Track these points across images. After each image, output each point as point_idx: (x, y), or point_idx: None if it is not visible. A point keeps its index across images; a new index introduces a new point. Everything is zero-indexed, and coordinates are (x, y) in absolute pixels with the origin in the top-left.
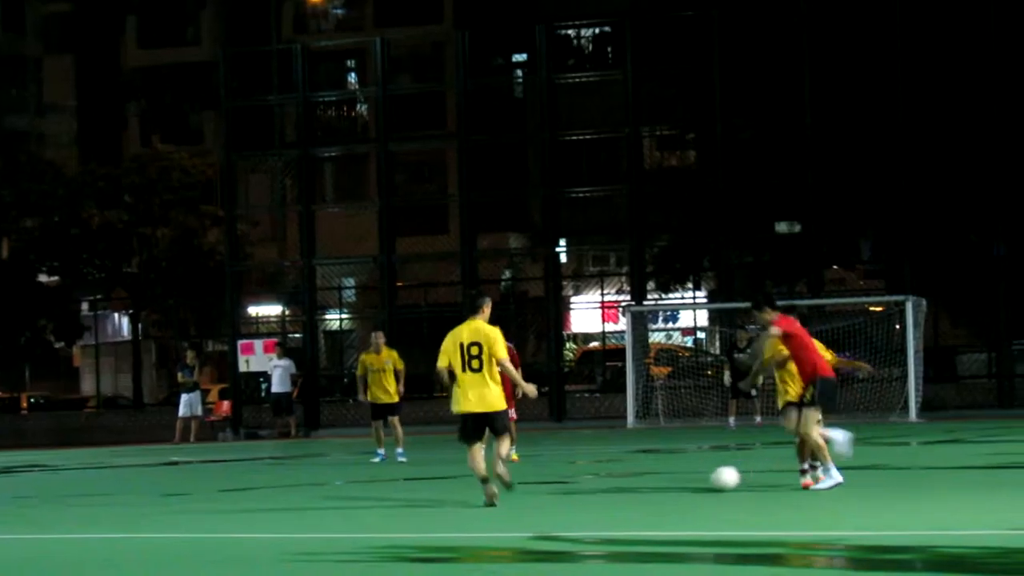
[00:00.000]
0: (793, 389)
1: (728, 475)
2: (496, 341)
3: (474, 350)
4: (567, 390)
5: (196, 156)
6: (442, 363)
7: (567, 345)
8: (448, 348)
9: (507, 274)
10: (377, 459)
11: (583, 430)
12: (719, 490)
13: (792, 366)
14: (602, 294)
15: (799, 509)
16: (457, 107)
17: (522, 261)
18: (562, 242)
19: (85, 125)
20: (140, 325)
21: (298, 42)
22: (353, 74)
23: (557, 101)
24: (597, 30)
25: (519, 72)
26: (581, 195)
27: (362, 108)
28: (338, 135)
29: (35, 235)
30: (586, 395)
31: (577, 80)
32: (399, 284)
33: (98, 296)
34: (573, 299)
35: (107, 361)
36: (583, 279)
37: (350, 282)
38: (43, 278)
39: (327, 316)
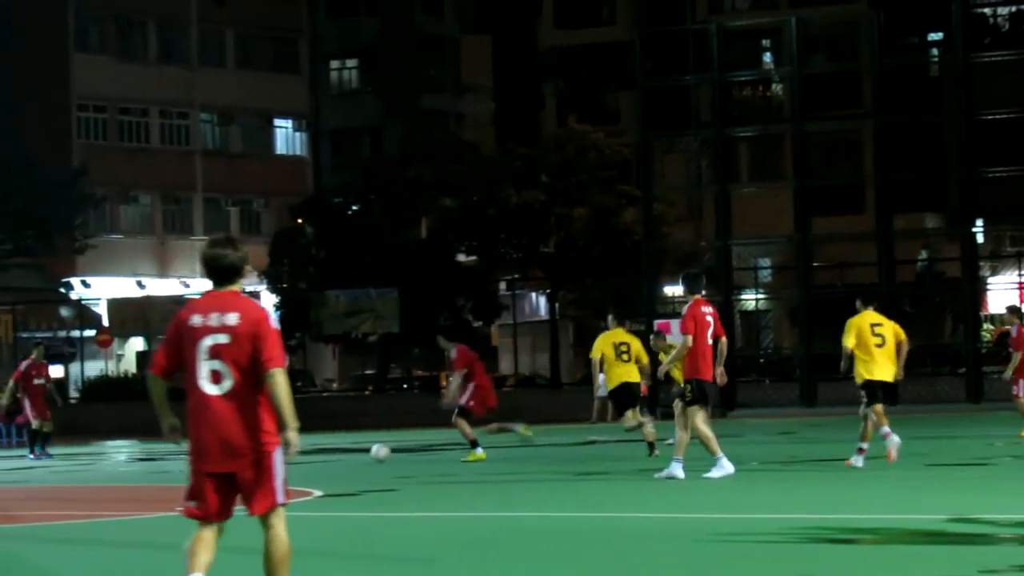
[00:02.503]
0: None
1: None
2: None
3: None
4: (984, 371)
5: (612, 136)
6: None
7: (984, 326)
8: None
9: (923, 255)
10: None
11: (1002, 412)
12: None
13: None
14: (1020, 274)
15: None
16: (872, 86)
17: (938, 242)
18: (979, 222)
19: (502, 105)
20: (557, 305)
21: (713, 22)
22: (768, 54)
23: (973, 80)
24: (1014, 8)
25: (934, 51)
26: (998, 175)
27: (777, 88)
28: (753, 115)
29: (453, 215)
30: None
31: (993, 59)
32: (814, 264)
33: (515, 276)
34: (991, 280)
35: (524, 340)
36: (1001, 259)
37: (765, 262)
38: (461, 258)
39: (742, 296)
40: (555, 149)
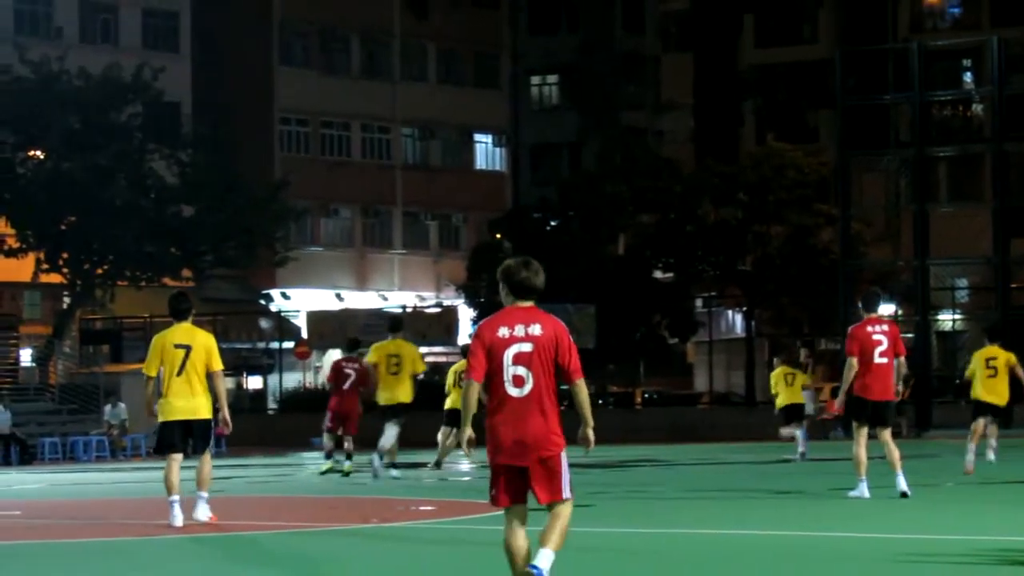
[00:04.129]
0: None
1: None
2: None
3: None
4: None
5: (810, 155)
6: None
7: None
8: None
9: None
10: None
11: None
12: None
13: None
14: None
15: None
16: None
17: None
18: None
19: (701, 122)
20: (753, 322)
21: (914, 41)
22: (969, 73)
23: None
24: None
25: None
26: None
27: (977, 108)
28: (952, 135)
29: (651, 231)
30: None
31: None
32: (1013, 285)
33: (711, 293)
34: None
35: (720, 358)
36: None
37: (963, 282)
38: (658, 274)
39: (939, 317)
40: (753, 167)
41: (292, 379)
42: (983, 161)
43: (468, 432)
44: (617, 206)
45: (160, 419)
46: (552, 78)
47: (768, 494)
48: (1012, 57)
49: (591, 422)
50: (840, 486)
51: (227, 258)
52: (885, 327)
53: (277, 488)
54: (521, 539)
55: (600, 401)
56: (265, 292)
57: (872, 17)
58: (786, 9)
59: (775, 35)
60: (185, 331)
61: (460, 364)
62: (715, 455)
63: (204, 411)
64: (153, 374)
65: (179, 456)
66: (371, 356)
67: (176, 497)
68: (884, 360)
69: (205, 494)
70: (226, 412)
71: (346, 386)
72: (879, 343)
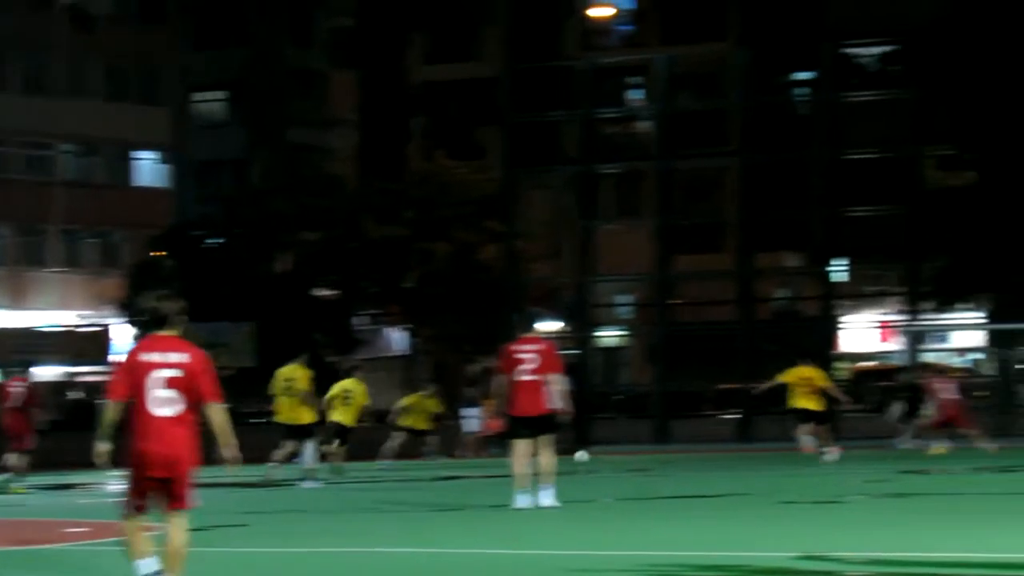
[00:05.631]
0: None
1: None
2: None
3: None
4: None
5: (478, 171)
6: None
7: (837, 364)
8: None
9: (782, 293)
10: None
11: (855, 450)
12: None
13: None
14: (880, 313)
15: None
16: (739, 125)
17: (798, 280)
18: (840, 261)
19: (369, 139)
20: (415, 340)
21: (582, 59)
22: (636, 91)
23: (840, 120)
24: (882, 48)
25: (802, 90)
26: (861, 214)
27: (644, 125)
28: (619, 152)
29: (315, 248)
30: (858, 415)
31: (860, 99)
32: (674, 302)
33: (375, 311)
34: (851, 318)
35: (380, 376)
36: (860, 298)
37: (626, 299)
38: (321, 292)
39: (603, 332)
40: (419, 184)
41: None
42: (648, 178)
43: (105, 446)
44: (282, 223)
45: None
46: (219, 94)
47: (431, 509)
48: (679, 75)
49: (232, 441)
50: (499, 502)
51: None
52: (536, 346)
53: None
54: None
55: (259, 420)
56: None
57: (541, 35)
58: (455, 26)
59: (444, 52)
60: None
61: (348, 382)
62: (379, 472)
63: None
64: None
65: None
66: None
67: None
68: (531, 377)
69: None
70: None
71: (12, 405)
72: (525, 360)
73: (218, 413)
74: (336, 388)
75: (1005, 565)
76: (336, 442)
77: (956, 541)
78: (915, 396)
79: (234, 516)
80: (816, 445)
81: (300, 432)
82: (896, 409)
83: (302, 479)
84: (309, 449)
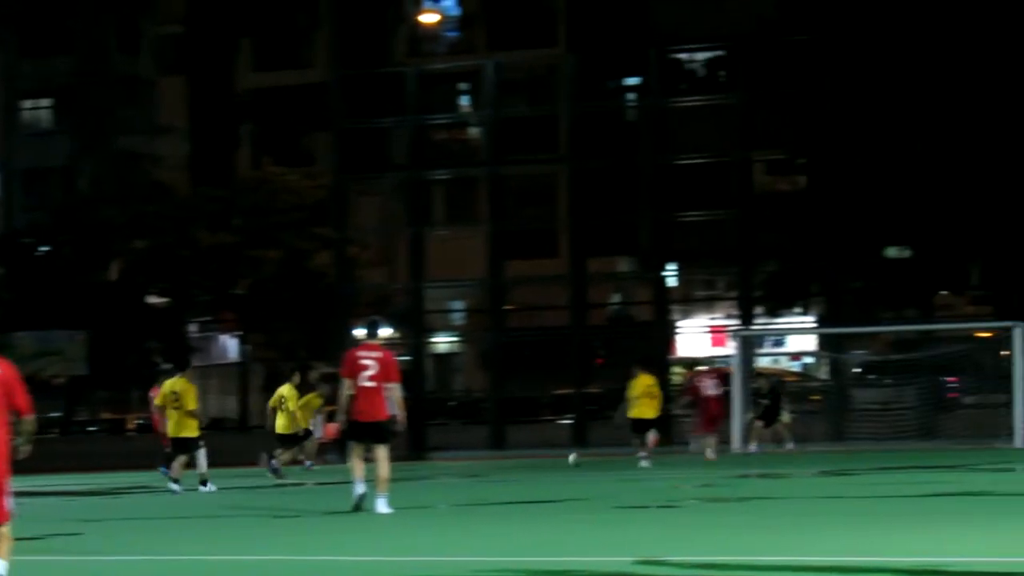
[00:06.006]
0: None
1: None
2: None
3: None
4: (674, 415)
5: (308, 178)
6: None
7: (674, 370)
8: None
9: (616, 298)
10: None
11: (689, 454)
12: None
13: None
14: (711, 318)
15: (908, 531)
16: (568, 130)
17: (631, 285)
18: (671, 266)
19: (198, 147)
20: (247, 347)
21: (411, 65)
22: (465, 97)
23: (668, 125)
24: (709, 54)
25: (631, 96)
26: (691, 219)
27: (473, 131)
28: (449, 158)
29: (145, 256)
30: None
31: (689, 104)
32: (507, 307)
33: (207, 318)
34: (682, 323)
35: (213, 383)
36: (692, 303)
37: (459, 304)
38: (152, 300)
39: (436, 339)
40: (249, 191)
41: None
42: (479, 184)
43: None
44: (110, 231)
45: None
46: (45, 101)
47: (265, 518)
48: (508, 81)
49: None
50: (334, 509)
51: None
52: (377, 353)
53: None
54: None
55: (92, 428)
56: None
57: (370, 41)
58: (283, 32)
59: (272, 59)
60: None
61: (284, 389)
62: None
63: None
64: None
65: None
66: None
67: None
68: (372, 384)
69: None
70: None
71: None
72: (367, 367)
73: (30, 424)
74: (275, 395)
75: (833, 568)
76: (280, 450)
77: (787, 545)
78: (775, 401)
79: (72, 524)
80: (647, 450)
81: (186, 446)
82: (747, 416)
83: (203, 483)
84: (201, 456)
